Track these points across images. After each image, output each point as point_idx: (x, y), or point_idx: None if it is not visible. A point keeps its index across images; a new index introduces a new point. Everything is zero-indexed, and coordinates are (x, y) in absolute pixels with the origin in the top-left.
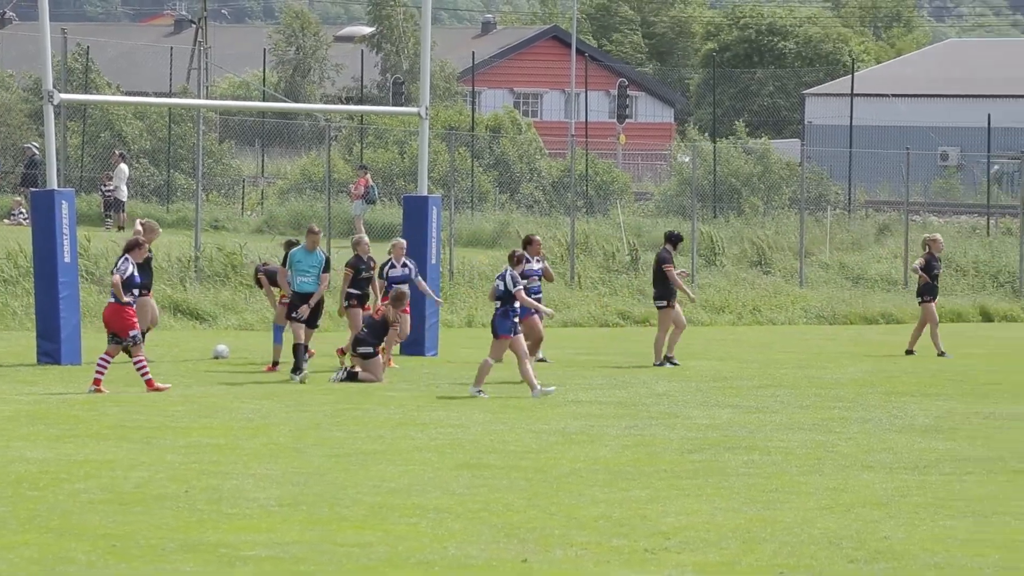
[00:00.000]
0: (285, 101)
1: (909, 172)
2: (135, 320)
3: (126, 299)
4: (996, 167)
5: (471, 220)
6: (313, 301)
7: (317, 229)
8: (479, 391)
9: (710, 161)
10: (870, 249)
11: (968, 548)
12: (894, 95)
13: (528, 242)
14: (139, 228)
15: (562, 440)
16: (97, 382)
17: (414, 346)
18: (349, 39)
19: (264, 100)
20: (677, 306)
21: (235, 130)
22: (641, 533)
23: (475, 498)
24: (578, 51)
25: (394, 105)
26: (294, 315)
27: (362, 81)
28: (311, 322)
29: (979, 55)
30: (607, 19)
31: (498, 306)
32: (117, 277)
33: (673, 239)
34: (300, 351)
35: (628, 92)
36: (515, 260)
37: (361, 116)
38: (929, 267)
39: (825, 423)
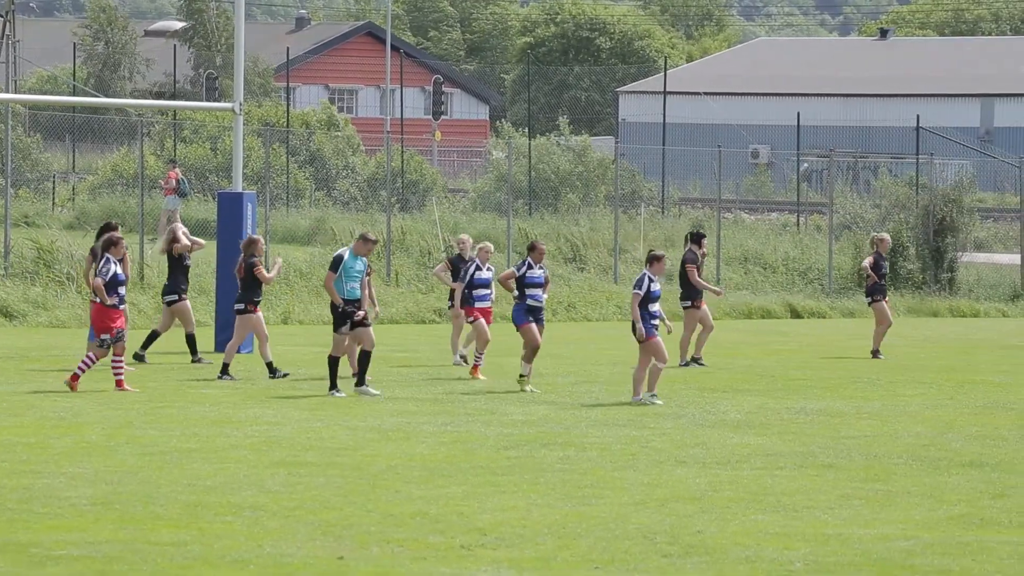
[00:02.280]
0: (95, 96)
1: (721, 170)
2: (120, 320)
3: (110, 300)
4: (805, 165)
5: (287, 217)
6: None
7: (374, 238)
8: (652, 396)
9: (526, 158)
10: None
11: (778, 541)
12: (706, 93)
13: (531, 248)
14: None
15: (379, 437)
16: (120, 383)
17: None
18: (161, 34)
19: (74, 95)
20: (704, 306)
21: (44, 125)
22: (458, 530)
23: (291, 496)
24: (393, 47)
25: (207, 101)
26: (344, 328)
27: (174, 76)
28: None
29: (788, 54)
30: (424, 16)
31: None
32: (99, 280)
33: (696, 238)
34: (335, 365)
35: (444, 89)
36: (651, 261)
37: (174, 112)
38: (877, 266)
39: (639, 419)
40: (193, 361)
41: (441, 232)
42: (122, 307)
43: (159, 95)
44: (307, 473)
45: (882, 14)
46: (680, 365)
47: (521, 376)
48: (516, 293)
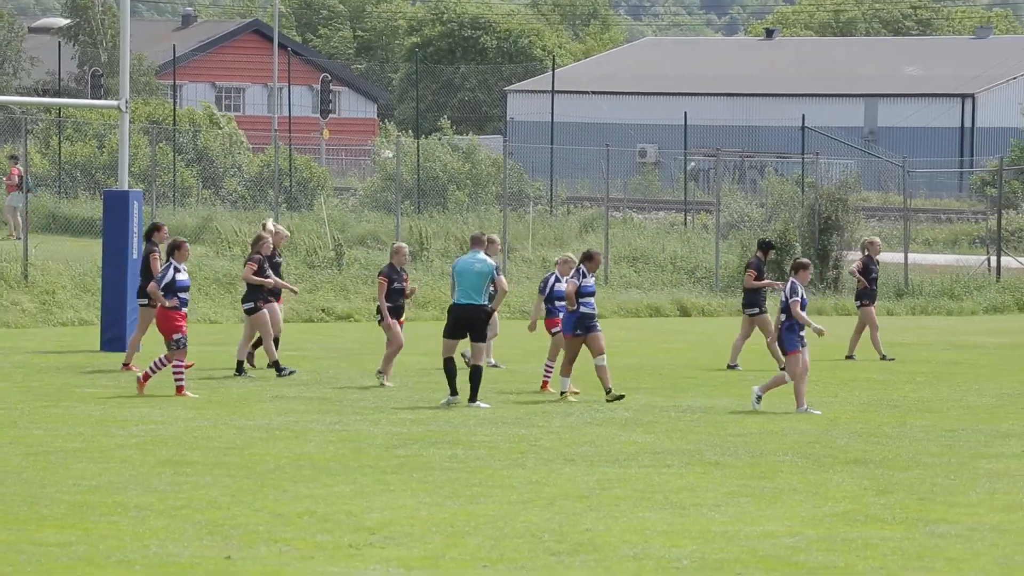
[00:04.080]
0: None
1: (609, 169)
2: (180, 324)
3: (169, 303)
4: (692, 164)
5: (173, 215)
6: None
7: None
8: (806, 408)
9: (414, 156)
10: (572, 245)
11: (666, 539)
12: (594, 92)
13: (588, 258)
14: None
15: (266, 436)
16: (180, 389)
17: (116, 342)
18: (45, 31)
19: None
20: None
21: None
22: (346, 528)
23: (178, 495)
24: (281, 45)
25: (93, 98)
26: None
27: (59, 74)
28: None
29: (676, 53)
30: (313, 13)
31: (783, 320)
32: (153, 284)
33: (764, 247)
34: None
35: (332, 87)
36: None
37: (59, 109)
38: (867, 270)
39: (528, 417)
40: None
41: (329, 230)
42: (183, 310)
43: (44, 92)
44: (194, 472)
45: (768, 14)
46: (729, 367)
47: (562, 393)
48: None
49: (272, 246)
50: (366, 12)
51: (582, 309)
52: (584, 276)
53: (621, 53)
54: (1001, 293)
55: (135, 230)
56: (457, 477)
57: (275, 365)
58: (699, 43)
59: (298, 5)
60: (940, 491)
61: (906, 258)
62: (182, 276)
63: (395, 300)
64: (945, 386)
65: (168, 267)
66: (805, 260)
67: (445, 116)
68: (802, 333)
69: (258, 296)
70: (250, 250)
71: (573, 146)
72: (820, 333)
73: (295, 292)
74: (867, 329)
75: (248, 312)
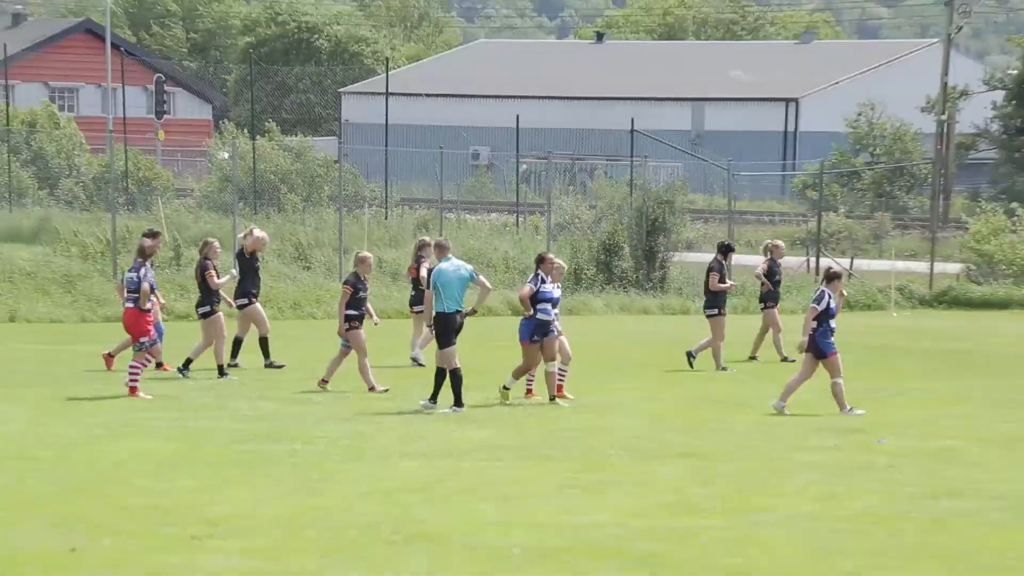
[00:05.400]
0: None
1: (443, 171)
2: (149, 327)
3: (147, 306)
4: (524, 166)
5: (9, 216)
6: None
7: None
8: (850, 409)
9: (249, 157)
10: (407, 245)
11: (498, 529)
12: (428, 95)
13: (540, 260)
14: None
15: (110, 433)
16: (134, 390)
17: None
18: None
19: None
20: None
21: None
22: (188, 521)
23: (23, 490)
24: (114, 45)
25: None
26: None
27: None
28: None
29: (508, 56)
30: (146, 12)
31: (816, 327)
32: (147, 285)
33: (724, 250)
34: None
35: (166, 88)
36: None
37: None
38: (771, 272)
39: (366, 414)
40: (230, 364)
41: (167, 231)
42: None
43: None
44: (39, 468)
45: (598, 17)
46: (717, 369)
47: (504, 388)
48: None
49: (254, 250)
50: (199, 11)
51: (539, 316)
52: (543, 281)
53: (455, 55)
54: None
55: None
56: (297, 471)
57: (220, 368)
58: (531, 46)
59: (130, 4)
60: (758, 482)
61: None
62: (152, 278)
63: (359, 308)
64: (765, 383)
65: (138, 267)
66: (840, 270)
67: (271, 119)
68: (832, 339)
69: (213, 300)
70: (200, 256)
71: (407, 148)
72: (802, 350)
73: (231, 305)
74: (770, 331)
75: (203, 316)
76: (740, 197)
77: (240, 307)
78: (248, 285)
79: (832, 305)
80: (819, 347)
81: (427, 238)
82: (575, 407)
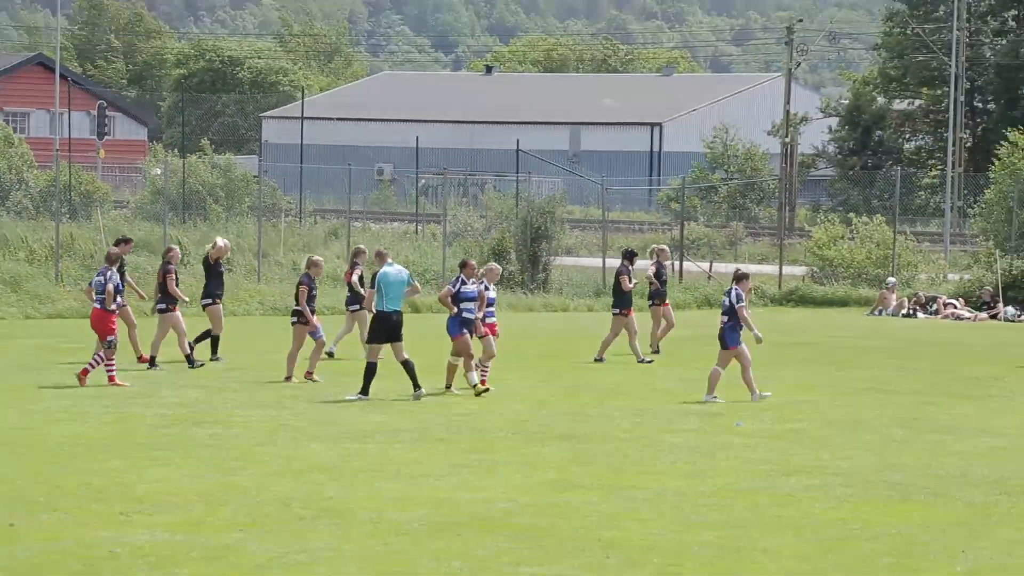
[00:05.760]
0: None
1: (351, 185)
2: (114, 326)
3: (112, 306)
4: (423, 181)
5: None
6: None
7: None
8: (713, 398)
9: (179, 173)
10: (319, 250)
11: (399, 505)
12: (339, 119)
13: (463, 265)
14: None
15: (48, 418)
16: (112, 379)
17: None
18: None
19: None
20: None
21: None
22: (117, 499)
23: None
24: (62, 76)
25: None
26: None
27: None
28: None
29: (409, 86)
30: (91, 48)
31: (725, 320)
32: (111, 287)
33: (629, 256)
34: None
35: (107, 113)
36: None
37: None
38: (658, 274)
39: (280, 401)
40: (212, 359)
41: (104, 238)
42: (117, 313)
43: None
44: None
45: (488, 52)
46: (639, 362)
47: (475, 386)
48: (455, 309)
49: (218, 257)
50: (137, 47)
51: (464, 314)
52: (463, 283)
53: (362, 85)
54: (683, 292)
55: None
56: (216, 453)
57: (188, 358)
58: (429, 77)
59: (78, 40)
60: (632, 461)
61: (604, 263)
62: (118, 281)
63: (310, 305)
64: (637, 371)
65: (115, 274)
66: (746, 271)
67: (205, 138)
68: (741, 332)
69: (170, 300)
70: (163, 260)
71: (320, 165)
72: (759, 341)
73: (186, 301)
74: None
75: (160, 311)
76: (612, 208)
77: (204, 307)
78: (213, 287)
79: (735, 302)
80: (725, 339)
81: (362, 247)
82: (467, 394)
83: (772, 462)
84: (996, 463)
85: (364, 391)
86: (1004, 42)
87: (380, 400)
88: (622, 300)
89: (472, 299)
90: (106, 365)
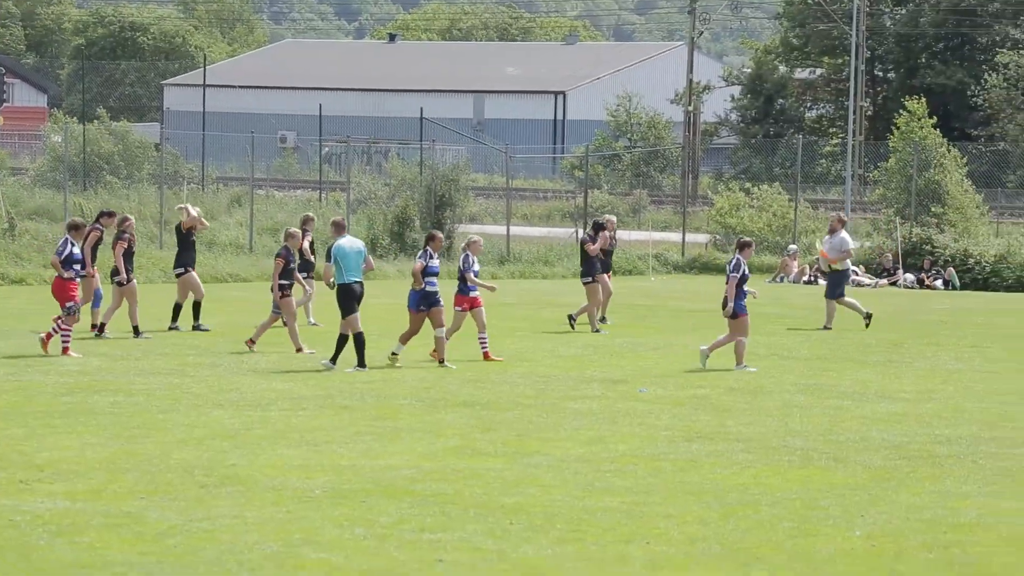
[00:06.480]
0: None
1: (254, 152)
2: (73, 293)
3: (67, 274)
4: (327, 149)
5: None
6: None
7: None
8: (744, 367)
9: (80, 141)
10: (221, 218)
11: (302, 472)
12: (241, 86)
13: (431, 238)
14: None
15: None
16: (66, 350)
17: None
18: None
19: None
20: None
21: None
22: (18, 467)
23: None
24: None
25: None
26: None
27: None
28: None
29: (312, 54)
30: None
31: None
32: (55, 257)
33: (598, 227)
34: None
35: (6, 80)
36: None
37: None
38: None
39: (181, 368)
40: (170, 328)
41: (4, 205)
42: (77, 281)
43: None
44: None
45: (391, 20)
46: (593, 332)
47: (393, 354)
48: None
49: (190, 226)
50: (37, 13)
51: (427, 288)
52: (431, 256)
53: (265, 52)
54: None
55: None
56: (118, 420)
57: (135, 329)
58: (332, 45)
59: None
60: (535, 428)
61: (508, 230)
62: (76, 251)
63: (289, 278)
64: (540, 339)
65: (65, 242)
66: (749, 239)
67: (101, 107)
68: (745, 301)
69: (128, 271)
70: (119, 229)
71: (223, 132)
72: (753, 295)
73: (124, 275)
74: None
75: (118, 284)
76: (516, 176)
77: (178, 275)
78: (185, 257)
79: (747, 271)
80: (734, 308)
81: (311, 214)
82: (372, 361)
83: (675, 428)
84: (895, 428)
85: (360, 363)
86: (903, 11)
87: (284, 366)
88: (590, 267)
89: (436, 273)
90: (62, 333)
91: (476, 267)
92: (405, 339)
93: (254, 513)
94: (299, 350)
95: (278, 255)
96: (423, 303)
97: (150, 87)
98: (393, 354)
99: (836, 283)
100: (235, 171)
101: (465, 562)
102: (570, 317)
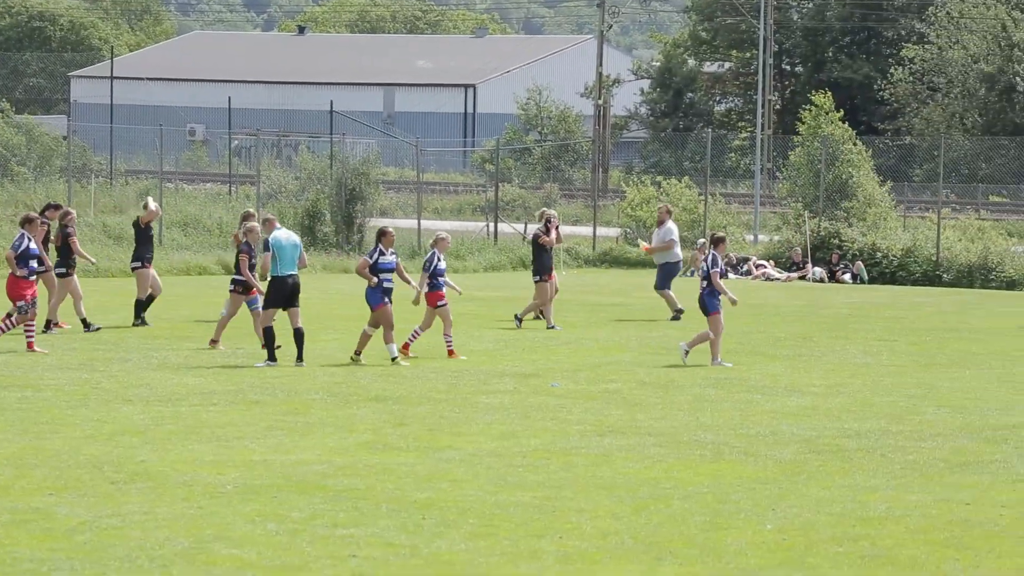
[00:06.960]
0: None
1: (163, 145)
2: (25, 292)
3: (20, 272)
4: (236, 142)
5: None
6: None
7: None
8: (720, 363)
9: None
10: (130, 212)
11: (213, 468)
12: (150, 79)
13: (382, 234)
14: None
15: None
16: (30, 344)
17: None
18: None
19: None
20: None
21: None
22: None
23: None
24: None
25: None
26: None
27: None
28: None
29: (221, 46)
30: None
31: (704, 286)
32: (11, 252)
33: (545, 219)
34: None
35: None
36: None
37: None
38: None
39: (91, 363)
40: (135, 324)
41: None
42: (32, 279)
43: None
44: None
45: (299, 13)
46: (548, 328)
47: (393, 358)
48: (376, 280)
49: (148, 221)
50: None
51: (384, 284)
52: (381, 253)
53: (173, 44)
54: (498, 254)
55: None
56: (26, 416)
57: (84, 322)
58: (241, 37)
59: None
60: (447, 423)
61: (419, 224)
62: (33, 246)
63: (252, 272)
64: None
65: (21, 237)
66: (722, 234)
67: (5, 99)
68: (720, 297)
69: (70, 264)
70: (61, 223)
71: (131, 125)
72: (734, 303)
73: (92, 262)
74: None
75: (59, 276)
76: (427, 170)
77: (134, 270)
78: (143, 251)
79: (722, 265)
80: (706, 305)
81: (251, 210)
82: (283, 357)
83: (587, 423)
84: (805, 422)
85: (271, 357)
86: (810, 5)
87: (194, 361)
88: (541, 266)
89: (391, 269)
90: (25, 329)
91: (443, 264)
92: (389, 337)
93: (165, 509)
94: (214, 342)
95: (241, 251)
96: (386, 297)
97: (56, 79)
98: (393, 358)
99: (667, 275)
100: (144, 164)
101: (378, 557)
102: (516, 317)
